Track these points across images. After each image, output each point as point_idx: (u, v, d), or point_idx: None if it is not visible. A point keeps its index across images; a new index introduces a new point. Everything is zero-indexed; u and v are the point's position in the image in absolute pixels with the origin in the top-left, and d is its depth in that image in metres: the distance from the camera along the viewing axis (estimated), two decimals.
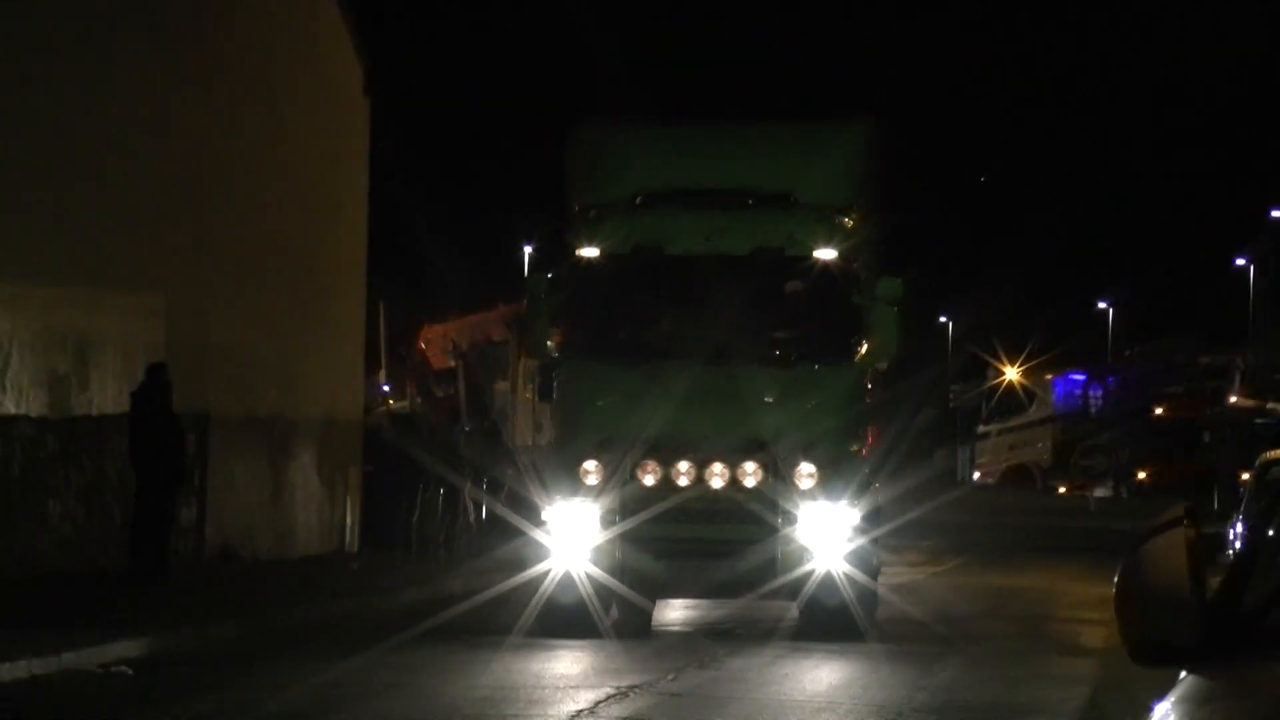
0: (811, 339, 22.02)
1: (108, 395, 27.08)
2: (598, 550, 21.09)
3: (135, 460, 26.03)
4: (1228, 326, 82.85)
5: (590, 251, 22.02)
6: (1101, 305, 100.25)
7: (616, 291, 22.22)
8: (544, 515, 21.41)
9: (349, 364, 33.89)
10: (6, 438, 25.12)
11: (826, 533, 20.98)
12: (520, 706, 16.62)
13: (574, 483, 21.19)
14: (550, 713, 16.23)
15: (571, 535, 21.13)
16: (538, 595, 21.10)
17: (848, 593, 20.90)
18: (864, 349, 21.82)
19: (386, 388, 46.69)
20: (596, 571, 21.03)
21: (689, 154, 22.98)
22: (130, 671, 18.28)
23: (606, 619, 21.24)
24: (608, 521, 21.08)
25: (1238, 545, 25.69)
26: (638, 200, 22.23)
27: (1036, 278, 79.53)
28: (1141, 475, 79.70)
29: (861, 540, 21.17)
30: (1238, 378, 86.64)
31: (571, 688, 17.62)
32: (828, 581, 20.91)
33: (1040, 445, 75.72)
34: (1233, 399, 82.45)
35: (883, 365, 22.87)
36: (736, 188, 22.33)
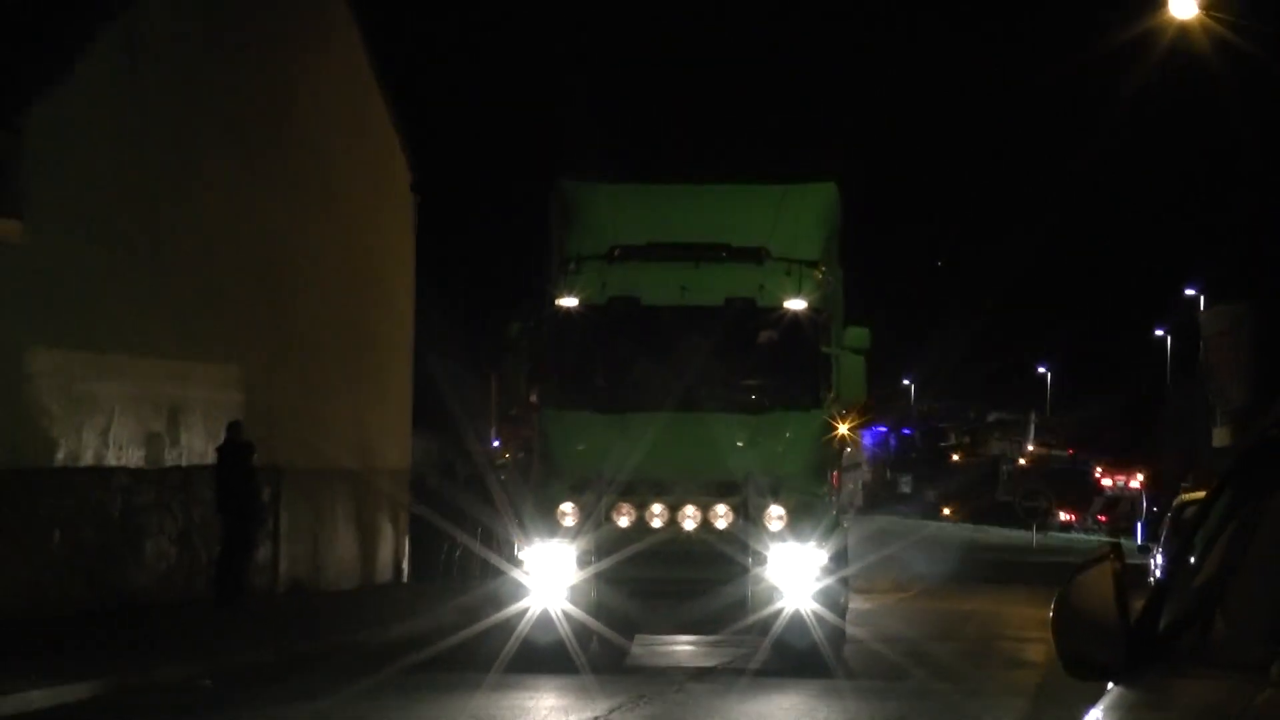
0: (781, 386, 20.21)
1: (194, 451, 27.18)
2: (574, 590, 19.22)
3: (221, 507, 26.17)
4: (1149, 388, 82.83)
5: (569, 301, 20.22)
6: (1040, 370, 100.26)
7: (594, 340, 20.46)
8: (521, 555, 19.56)
9: (398, 423, 33.87)
10: (108, 487, 25.15)
11: (795, 573, 19.23)
12: (543, 714, 16.59)
13: (551, 524, 19.29)
14: (571, 719, 16.21)
15: (549, 575, 19.27)
16: (515, 634, 19.34)
17: (817, 633, 19.25)
18: (831, 396, 20.30)
19: (497, 443, 46.15)
20: (574, 610, 19.23)
21: (665, 210, 21.18)
22: (210, 684, 18.26)
23: (584, 655, 19.38)
24: (584, 562, 19.21)
25: (1158, 575, 25.62)
26: (615, 252, 20.46)
27: (980, 343, 79.78)
28: (946, 511, 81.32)
29: (829, 580, 19.50)
30: (1032, 430, 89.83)
31: (589, 698, 17.48)
32: (797, 620, 19.19)
33: (852, 487, 76.93)
34: (1030, 447, 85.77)
35: (850, 413, 21.73)
36: (711, 242, 20.57)
